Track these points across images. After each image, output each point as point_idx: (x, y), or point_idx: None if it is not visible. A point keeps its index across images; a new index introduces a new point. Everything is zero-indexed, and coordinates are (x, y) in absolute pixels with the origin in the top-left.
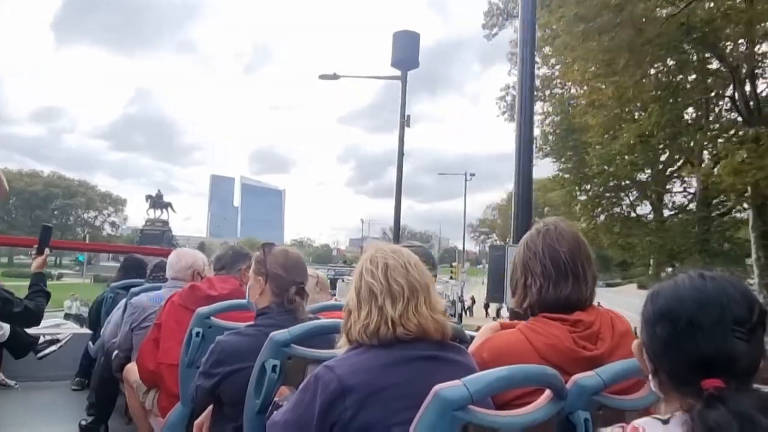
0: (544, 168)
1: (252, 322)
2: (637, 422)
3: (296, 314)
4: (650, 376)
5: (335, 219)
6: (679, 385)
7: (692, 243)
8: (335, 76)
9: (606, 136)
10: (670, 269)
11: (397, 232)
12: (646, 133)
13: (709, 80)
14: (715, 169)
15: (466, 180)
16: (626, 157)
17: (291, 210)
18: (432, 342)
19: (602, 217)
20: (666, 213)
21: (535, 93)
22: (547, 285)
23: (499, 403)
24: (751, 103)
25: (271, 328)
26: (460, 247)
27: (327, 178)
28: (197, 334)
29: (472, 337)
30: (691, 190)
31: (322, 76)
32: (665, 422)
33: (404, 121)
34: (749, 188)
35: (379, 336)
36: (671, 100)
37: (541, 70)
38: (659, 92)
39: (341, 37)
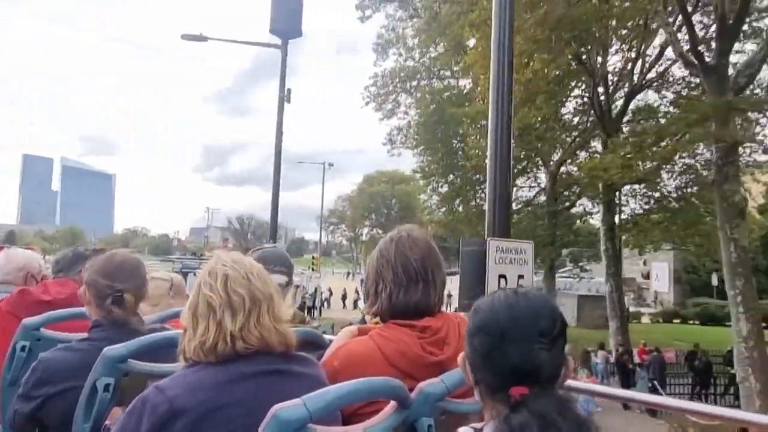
0: (402, 161)
1: (86, 335)
2: None
3: (131, 326)
4: (474, 386)
5: (176, 207)
6: (494, 393)
7: (544, 235)
8: (202, 38)
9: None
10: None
11: (275, 226)
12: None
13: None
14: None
15: (324, 170)
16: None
17: (123, 196)
18: (276, 355)
19: (461, 208)
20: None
21: (399, 85)
22: (397, 291)
23: (346, 413)
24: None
25: (106, 341)
26: (307, 237)
27: (168, 163)
28: (22, 348)
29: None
30: (543, 185)
31: (186, 36)
32: (479, 430)
33: (284, 96)
34: (600, 186)
35: (217, 352)
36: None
37: (408, 62)
38: (549, 84)
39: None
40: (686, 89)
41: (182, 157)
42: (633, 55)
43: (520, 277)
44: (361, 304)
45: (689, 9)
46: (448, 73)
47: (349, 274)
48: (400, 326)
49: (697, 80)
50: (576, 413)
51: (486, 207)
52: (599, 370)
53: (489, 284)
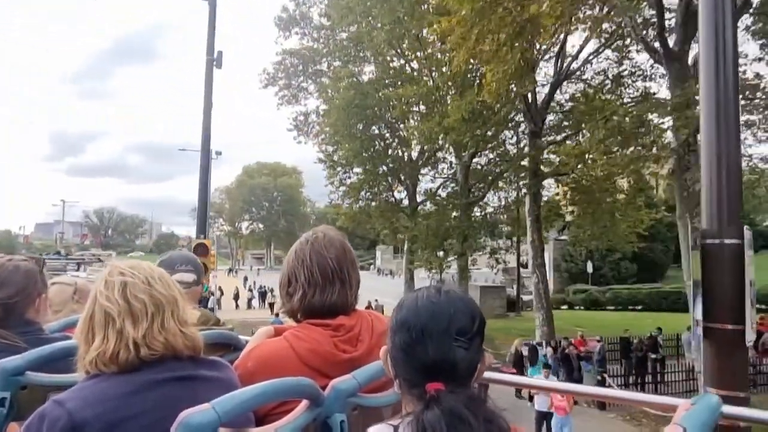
0: (282, 153)
1: None
2: (370, 430)
3: (27, 335)
4: (394, 380)
5: (20, 200)
6: (411, 387)
7: (459, 227)
8: None
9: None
10: (441, 253)
11: (204, 217)
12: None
13: None
14: None
15: (210, 158)
16: (445, 135)
17: None
18: (183, 360)
19: (367, 197)
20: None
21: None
22: (312, 291)
23: (260, 414)
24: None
25: (2, 354)
26: (178, 232)
27: (10, 152)
28: None
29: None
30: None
31: None
32: (395, 427)
33: (213, 60)
34: (528, 177)
35: (119, 362)
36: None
37: (317, 43)
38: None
39: None
40: (609, 81)
41: (28, 145)
42: (557, 47)
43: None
44: (255, 303)
45: None
46: (362, 54)
47: (230, 271)
48: (314, 325)
49: (619, 69)
50: (488, 410)
51: (704, 188)
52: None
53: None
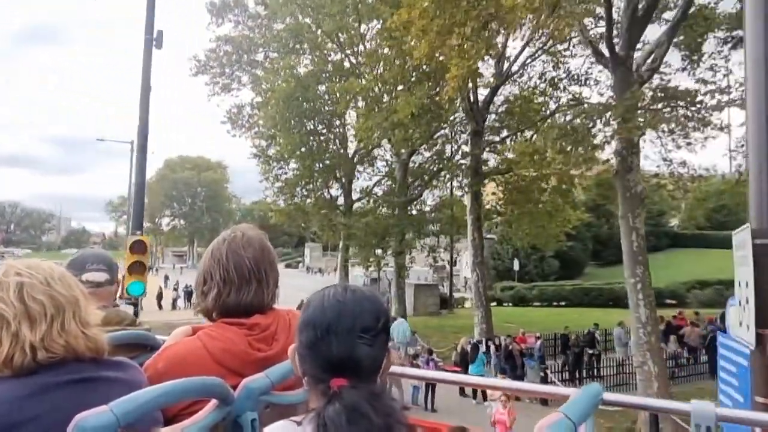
0: (207, 147)
1: None
2: (273, 426)
3: None
4: (302, 377)
5: None
6: (317, 384)
7: (398, 225)
8: None
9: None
10: (379, 251)
11: (141, 212)
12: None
13: None
14: None
15: (132, 150)
16: (392, 131)
17: None
18: (85, 362)
19: (303, 194)
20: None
21: (243, 56)
22: (228, 290)
23: (170, 415)
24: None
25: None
26: (89, 228)
27: None
28: None
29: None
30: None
31: None
32: (299, 423)
33: (152, 39)
34: (469, 176)
35: (13, 365)
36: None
37: (255, 31)
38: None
39: None
40: (545, 83)
41: None
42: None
43: (745, 285)
44: (180, 303)
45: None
46: (298, 47)
47: (150, 269)
48: (228, 324)
49: (556, 73)
50: (389, 405)
51: (752, 187)
52: (492, 362)
53: None
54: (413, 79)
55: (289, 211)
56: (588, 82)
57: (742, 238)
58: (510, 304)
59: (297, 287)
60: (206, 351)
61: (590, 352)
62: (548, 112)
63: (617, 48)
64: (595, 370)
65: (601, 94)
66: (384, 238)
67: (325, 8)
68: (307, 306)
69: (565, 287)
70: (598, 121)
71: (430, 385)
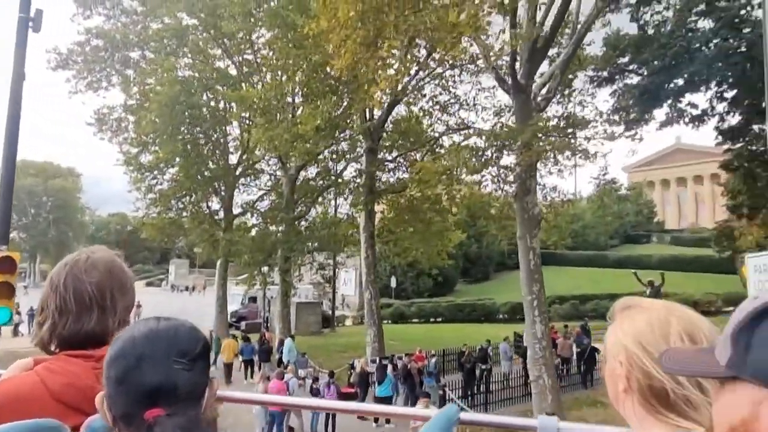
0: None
1: None
2: None
3: None
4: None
5: None
6: (130, 425)
7: (288, 241)
8: None
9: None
10: (266, 268)
11: (7, 221)
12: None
13: None
14: None
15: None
16: (297, 144)
17: None
18: None
19: (180, 207)
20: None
21: (114, 54)
22: (64, 320)
23: None
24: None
25: None
26: None
27: None
28: None
29: None
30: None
31: None
32: None
33: (28, 19)
34: (364, 194)
35: None
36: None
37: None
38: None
39: None
40: (435, 106)
41: None
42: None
43: None
44: (23, 329)
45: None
46: (177, 49)
47: None
48: (72, 357)
49: (447, 97)
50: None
51: None
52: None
53: None
54: (319, 90)
55: (162, 225)
56: (475, 107)
57: None
58: (389, 321)
59: (159, 307)
60: (44, 387)
61: (482, 367)
62: (436, 134)
63: (519, 76)
64: (484, 386)
65: (486, 120)
66: (271, 254)
67: (225, 9)
68: (115, 341)
69: (441, 304)
70: (498, 144)
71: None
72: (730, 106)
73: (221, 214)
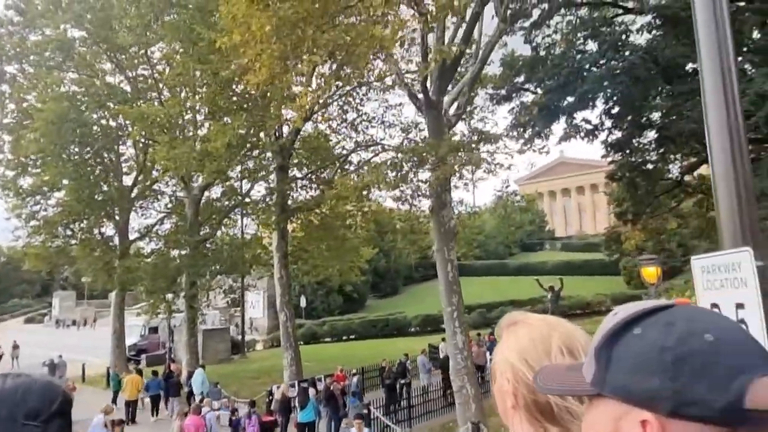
0: None
1: None
2: None
3: None
4: None
5: None
6: None
7: (194, 266)
8: None
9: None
10: (170, 295)
11: None
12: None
13: None
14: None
15: None
16: (211, 163)
17: None
18: None
19: (67, 234)
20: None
21: None
22: None
23: None
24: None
25: None
26: None
27: None
28: None
29: None
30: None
31: None
32: None
33: None
34: (276, 213)
35: None
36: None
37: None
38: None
39: None
40: (343, 123)
41: None
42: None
43: (739, 306)
44: None
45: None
46: (63, 62)
47: None
48: None
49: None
50: None
51: (720, 208)
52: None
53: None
54: (227, 106)
55: (47, 254)
56: (383, 124)
57: (731, 260)
58: (302, 342)
59: (44, 346)
60: None
61: (402, 382)
62: (345, 151)
63: (430, 93)
64: (405, 401)
65: (393, 137)
66: (175, 280)
67: (119, 21)
68: None
69: (354, 321)
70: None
71: None
72: (615, 121)
73: (116, 240)
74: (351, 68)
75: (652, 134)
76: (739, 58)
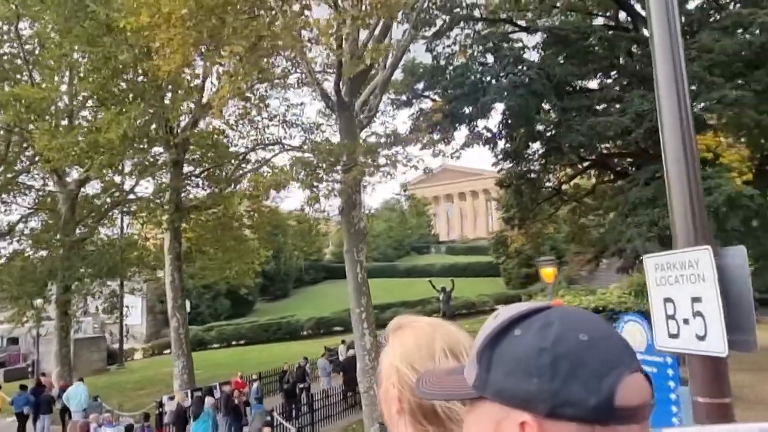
0: None
1: None
2: None
3: None
4: None
5: None
6: None
7: (70, 268)
8: None
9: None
10: (39, 301)
11: None
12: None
13: None
14: None
15: None
16: (102, 155)
17: None
18: None
19: None
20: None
21: None
22: None
23: None
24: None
25: None
26: None
27: None
28: None
29: None
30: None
31: None
32: None
33: None
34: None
35: None
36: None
37: None
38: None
39: None
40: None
41: None
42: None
43: (696, 300)
44: None
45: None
46: None
47: None
48: None
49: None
50: None
51: (673, 208)
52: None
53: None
54: (121, 94)
55: None
56: (286, 123)
57: (689, 257)
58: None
59: None
60: None
61: (301, 386)
62: (242, 149)
63: (343, 93)
64: (307, 406)
65: (293, 137)
66: (46, 284)
67: None
68: None
69: (245, 325)
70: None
71: None
72: (509, 131)
73: None
74: (266, 63)
75: (537, 145)
76: (610, 81)
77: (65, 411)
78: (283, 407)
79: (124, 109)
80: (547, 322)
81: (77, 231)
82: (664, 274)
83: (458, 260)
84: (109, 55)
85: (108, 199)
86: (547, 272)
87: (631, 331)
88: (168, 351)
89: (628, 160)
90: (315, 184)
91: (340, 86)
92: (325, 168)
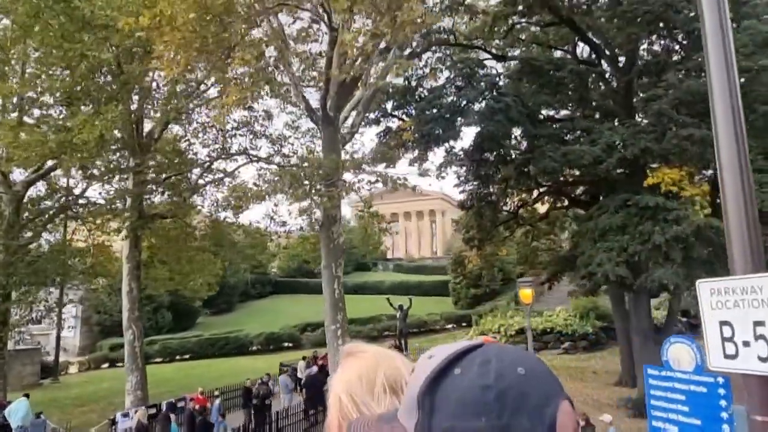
0: None
1: None
2: None
3: None
4: None
5: None
6: None
7: (12, 274)
8: None
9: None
10: None
11: None
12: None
13: None
14: None
15: None
16: (68, 155)
17: None
18: None
19: None
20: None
21: None
22: None
23: None
24: None
25: None
26: None
27: None
28: None
29: None
30: None
31: None
32: None
33: None
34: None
35: None
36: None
37: None
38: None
39: None
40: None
41: None
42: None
43: (758, 324)
44: None
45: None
46: None
47: None
48: None
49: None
50: None
51: (731, 238)
52: None
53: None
54: (95, 94)
55: None
56: (254, 135)
57: (756, 284)
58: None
59: None
60: None
61: (266, 402)
62: (208, 158)
63: (328, 108)
64: (269, 425)
65: (258, 148)
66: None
67: None
68: None
69: (190, 339)
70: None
71: None
72: (480, 154)
73: None
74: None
75: (506, 169)
76: (578, 114)
77: (6, 428)
78: (246, 425)
79: (99, 111)
80: (486, 359)
81: (21, 235)
82: (721, 299)
83: (408, 278)
84: (86, 52)
85: (56, 204)
86: (526, 293)
87: (678, 351)
88: (105, 365)
89: (583, 188)
90: (303, 197)
91: (327, 101)
92: (312, 182)
